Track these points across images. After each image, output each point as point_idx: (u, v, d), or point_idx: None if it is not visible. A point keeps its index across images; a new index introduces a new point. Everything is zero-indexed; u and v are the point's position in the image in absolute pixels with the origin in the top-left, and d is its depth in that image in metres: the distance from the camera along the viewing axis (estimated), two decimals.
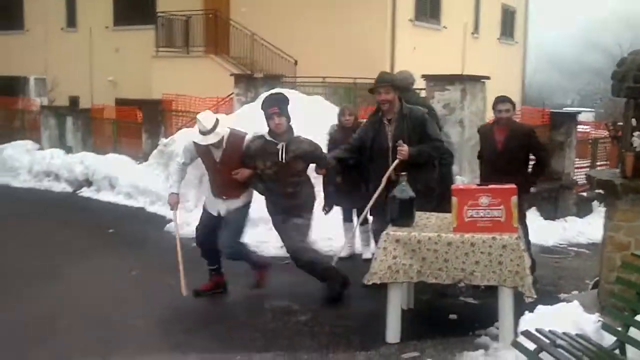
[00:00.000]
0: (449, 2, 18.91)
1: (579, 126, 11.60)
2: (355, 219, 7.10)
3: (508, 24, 23.66)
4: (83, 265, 7.11)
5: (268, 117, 5.55)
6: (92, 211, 10.52)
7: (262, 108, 5.69)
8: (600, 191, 6.74)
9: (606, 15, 43.66)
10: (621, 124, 5.32)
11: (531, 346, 3.76)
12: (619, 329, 3.84)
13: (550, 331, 3.84)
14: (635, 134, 5.02)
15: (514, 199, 4.72)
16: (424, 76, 9.52)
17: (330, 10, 16.25)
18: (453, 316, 5.50)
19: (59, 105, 17.95)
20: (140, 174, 11.35)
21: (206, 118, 5.58)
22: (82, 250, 7.80)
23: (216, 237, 5.76)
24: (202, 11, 17.84)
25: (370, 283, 4.83)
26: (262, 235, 7.49)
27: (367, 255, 6.99)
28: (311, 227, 5.74)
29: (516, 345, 3.91)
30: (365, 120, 6.29)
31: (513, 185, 4.83)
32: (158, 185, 10.48)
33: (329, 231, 7.51)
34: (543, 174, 6.80)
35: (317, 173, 5.83)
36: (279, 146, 5.50)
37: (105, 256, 7.50)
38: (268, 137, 5.58)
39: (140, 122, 13.80)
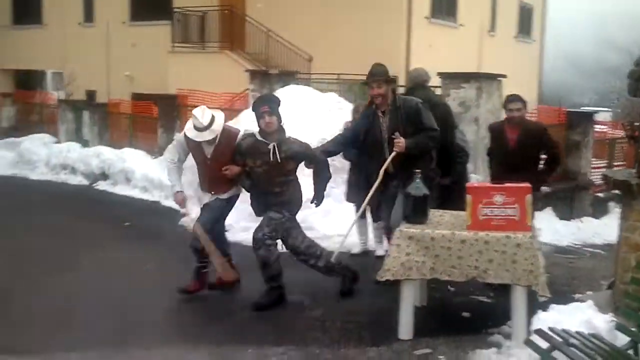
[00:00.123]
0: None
1: (596, 126, 11.53)
2: (368, 216, 7.11)
3: (525, 21, 23.49)
4: (100, 257, 7.19)
5: (259, 116, 5.51)
6: (108, 204, 10.62)
7: (252, 108, 5.67)
8: (617, 191, 6.70)
9: (624, 13, 43.22)
10: (638, 124, 5.28)
11: (544, 345, 3.76)
12: (633, 329, 3.83)
13: (563, 330, 3.84)
14: None
15: (529, 197, 4.70)
16: (439, 74, 9.50)
17: (346, 6, 16.22)
18: (466, 314, 5.49)
19: (76, 99, 18.12)
20: (156, 168, 11.44)
21: (202, 114, 5.49)
22: (98, 242, 7.89)
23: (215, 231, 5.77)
24: (218, 7, 17.87)
25: (383, 279, 4.83)
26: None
27: (380, 252, 7.00)
28: (285, 225, 5.60)
29: (529, 343, 3.90)
30: None
31: (528, 184, 4.82)
32: None
33: (341, 227, 7.50)
34: (555, 172, 6.78)
35: (307, 167, 5.81)
36: (270, 146, 5.46)
37: (121, 248, 7.59)
38: (259, 137, 5.54)
39: (155, 117, 13.89)
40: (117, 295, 5.88)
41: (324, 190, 5.81)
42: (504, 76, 9.89)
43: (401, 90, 8.14)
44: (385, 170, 5.53)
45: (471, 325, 5.19)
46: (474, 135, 9.15)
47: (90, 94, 20.13)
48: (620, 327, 3.92)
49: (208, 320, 5.36)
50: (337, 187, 7.82)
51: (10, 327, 5.22)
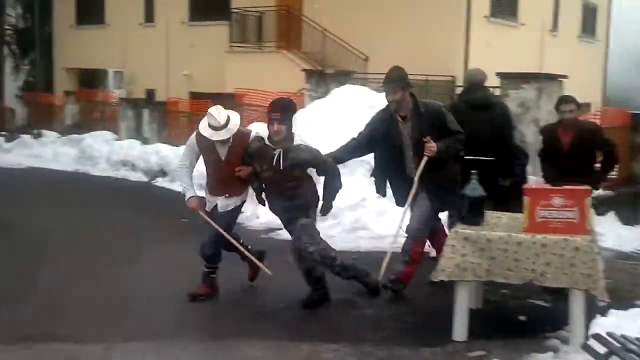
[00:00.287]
0: None
1: None
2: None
3: (589, 21, 22.88)
4: (158, 251, 7.37)
5: (268, 122, 5.43)
6: (166, 200, 10.84)
7: (267, 110, 5.59)
8: None
9: None
10: None
11: (602, 350, 3.67)
12: None
13: (622, 335, 3.74)
14: None
15: (588, 200, 4.59)
16: (498, 74, 9.36)
17: (403, 6, 16.14)
18: (522, 318, 5.40)
19: (136, 97, 18.60)
20: None
21: (219, 113, 5.43)
22: (157, 237, 8.09)
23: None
24: (275, 7, 18.06)
25: (438, 280, 4.81)
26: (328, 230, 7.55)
27: (433, 253, 6.94)
28: (315, 224, 5.58)
29: (586, 348, 3.83)
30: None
31: (587, 187, 4.71)
32: None
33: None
34: (612, 169, 6.60)
35: (319, 175, 5.73)
36: (276, 152, 5.40)
37: (179, 243, 7.72)
38: (267, 142, 5.48)
39: None
40: (173, 287, 6.00)
41: (333, 200, 5.67)
42: (565, 77, 9.66)
43: (459, 90, 8.05)
44: (420, 176, 5.44)
45: (527, 329, 5.11)
46: (533, 137, 8.95)
47: (150, 93, 20.65)
48: None
49: (260, 315, 5.42)
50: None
51: (71, 316, 5.41)
